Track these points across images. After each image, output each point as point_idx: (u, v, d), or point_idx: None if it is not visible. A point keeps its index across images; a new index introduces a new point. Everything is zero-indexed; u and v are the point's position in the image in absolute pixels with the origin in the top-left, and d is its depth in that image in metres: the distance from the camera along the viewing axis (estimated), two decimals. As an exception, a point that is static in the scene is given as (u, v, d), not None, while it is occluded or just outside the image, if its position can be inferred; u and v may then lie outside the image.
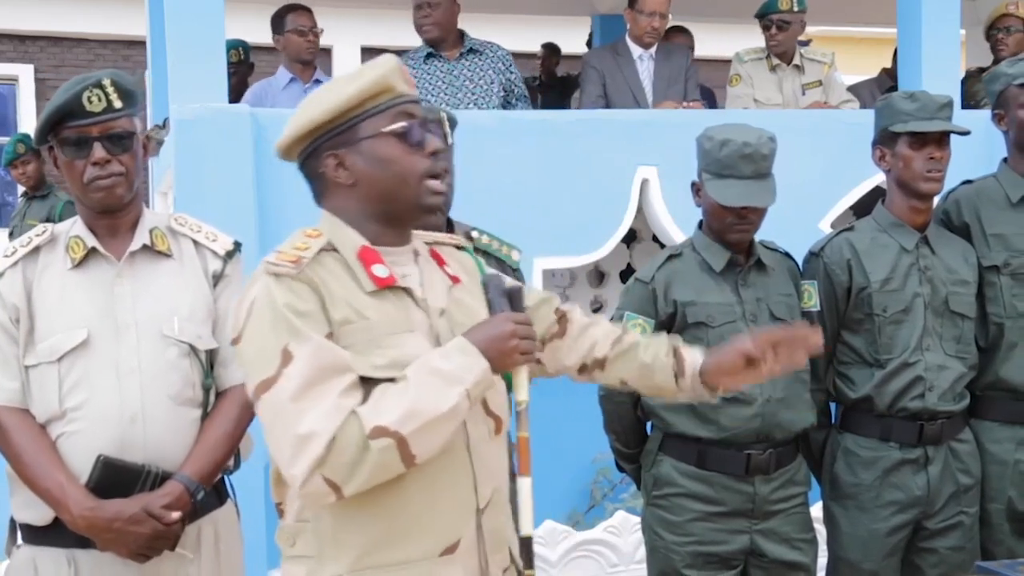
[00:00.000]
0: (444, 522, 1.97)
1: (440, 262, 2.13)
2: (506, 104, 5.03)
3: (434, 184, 2.02)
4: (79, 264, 2.51)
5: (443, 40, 4.97)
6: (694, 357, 2.27)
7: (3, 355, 2.48)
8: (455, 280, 2.11)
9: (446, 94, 4.88)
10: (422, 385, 1.89)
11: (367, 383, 1.92)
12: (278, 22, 5.37)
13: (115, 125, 2.48)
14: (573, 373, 2.29)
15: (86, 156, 2.47)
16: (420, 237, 2.16)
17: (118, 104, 2.47)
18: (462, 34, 5.04)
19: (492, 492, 2.04)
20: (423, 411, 1.87)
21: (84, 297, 2.49)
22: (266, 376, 1.89)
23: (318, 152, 2.03)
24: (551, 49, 8.86)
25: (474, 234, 2.98)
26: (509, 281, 2.11)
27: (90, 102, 2.45)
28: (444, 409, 1.88)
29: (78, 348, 2.45)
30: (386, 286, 1.99)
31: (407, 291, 2.01)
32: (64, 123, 2.47)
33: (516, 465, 2.09)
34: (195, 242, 2.62)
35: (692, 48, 6.34)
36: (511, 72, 5.06)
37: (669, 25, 6.44)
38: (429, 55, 4.99)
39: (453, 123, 2.92)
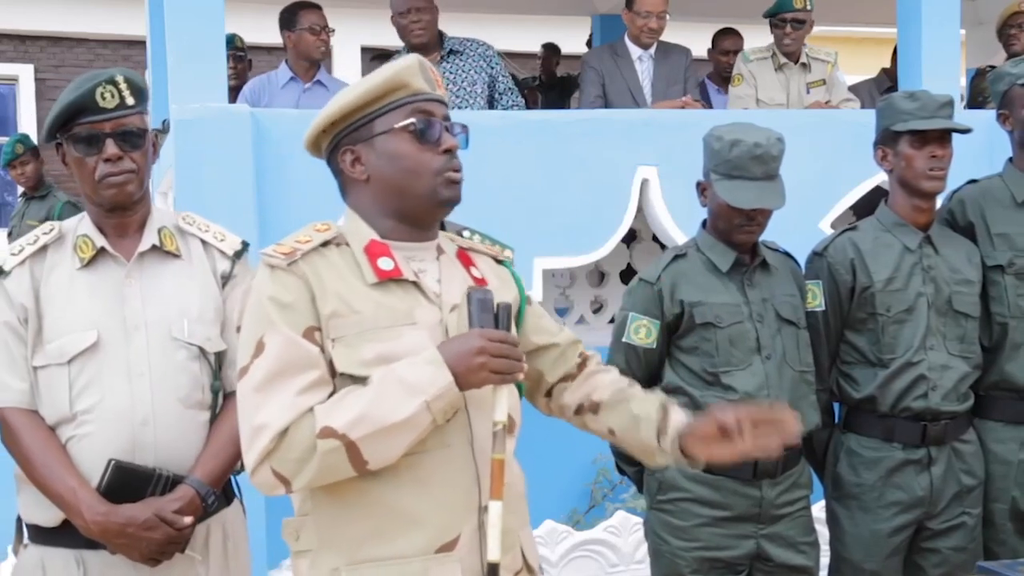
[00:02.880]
0: (441, 517, 1.96)
1: (468, 263, 2.14)
2: (492, 100, 5.01)
3: (451, 174, 2.03)
4: (88, 264, 2.50)
5: (429, 44, 4.96)
6: (679, 418, 2.22)
7: (11, 355, 2.47)
8: (480, 282, 2.11)
9: None
10: (383, 391, 1.89)
11: (356, 381, 1.93)
12: (289, 19, 5.28)
13: (127, 122, 2.47)
14: (569, 414, 2.28)
15: (98, 152, 2.45)
16: (456, 241, 2.19)
17: (131, 101, 2.47)
18: (441, 36, 5.04)
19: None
20: (376, 418, 1.87)
21: (93, 298, 2.48)
22: (243, 364, 1.95)
23: (338, 148, 2.07)
24: (551, 49, 8.86)
25: (465, 233, 2.95)
26: (502, 298, 2.06)
27: (103, 98, 2.44)
28: (398, 418, 1.87)
29: (88, 350, 2.44)
30: (389, 278, 1.99)
31: (416, 284, 2.02)
32: (76, 119, 2.46)
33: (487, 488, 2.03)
34: (203, 242, 2.61)
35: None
36: (493, 67, 5.04)
37: (721, 27, 6.47)
38: None
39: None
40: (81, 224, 2.56)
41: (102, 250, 2.51)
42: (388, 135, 2.02)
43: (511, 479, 2.03)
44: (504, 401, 1.96)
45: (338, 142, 2.07)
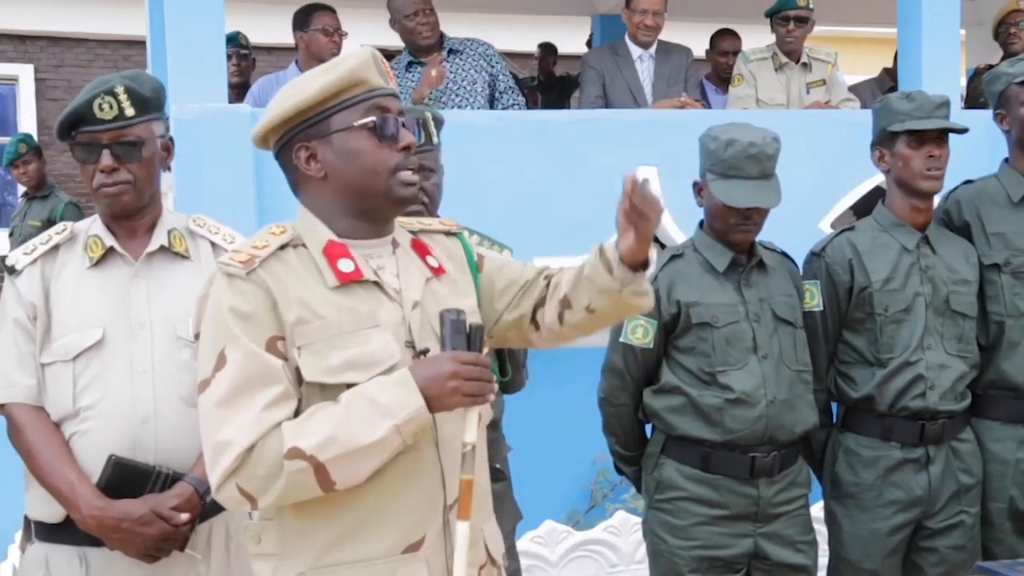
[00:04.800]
0: (407, 519, 1.94)
1: (423, 252, 2.10)
2: (493, 99, 5.01)
3: (405, 175, 1.99)
4: (97, 263, 2.52)
5: (434, 45, 4.97)
6: (610, 245, 2.10)
7: (20, 352, 2.49)
8: (437, 271, 2.08)
9: (431, 99, 4.87)
10: (353, 412, 1.86)
11: (325, 390, 1.91)
12: (303, 19, 5.30)
13: (126, 133, 2.47)
14: (558, 328, 2.15)
15: (95, 162, 2.47)
16: (407, 225, 2.14)
17: (130, 112, 2.47)
18: (441, 36, 5.04)
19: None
20: (345, 440, 1.84)
21: (100, 296, 2.50)
22: (203, 377, 1.91)
23: (291, 144, 2.01)
24: (548, 49, 8.86)
25: (464, 234, 2.96)
26: (472, 318, 2.01)
27: (101, 109, 2.45)
28: (367, 441, 1.85)
29: (93, 347, 2.46)
30: (351, 280, 1.96)
31: (377, 284, 1.99)
32: (77, 127, 2.48)
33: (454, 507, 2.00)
34: (213, 244, 2.62)
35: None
36: (493, 66, 5.04)
37: (719, 28, 6.47)
38: (410, 63, 4.98)
39: (439, 122, 2.87)
40: (93, 225, 2.58)
41: (111, 250, 2.53)
42: (347, 133, 1.97)
43: (475, 477, 1.99)
44: (474, 422, 1.94)
45: (291, 138, 2.01)
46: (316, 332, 1.91)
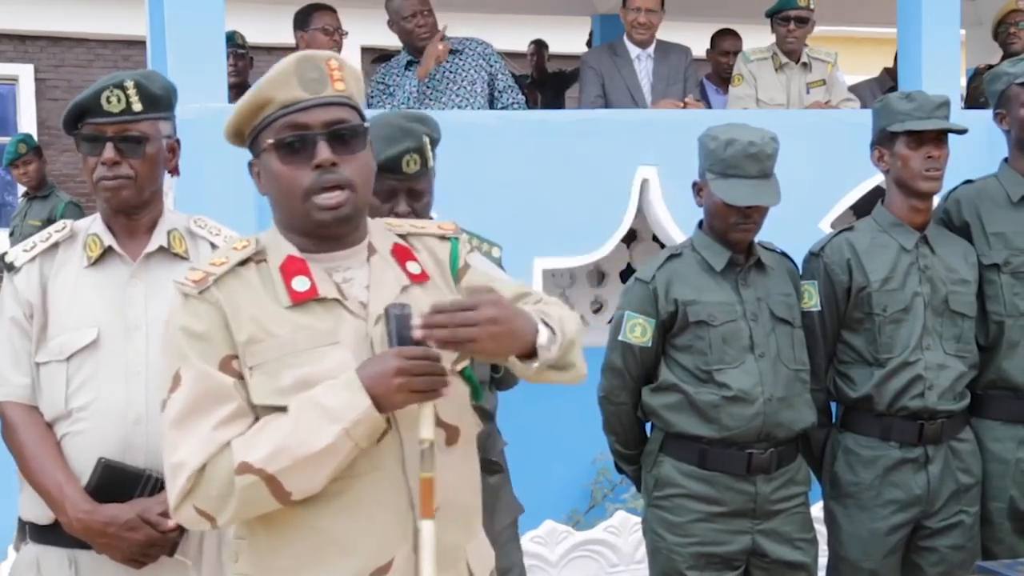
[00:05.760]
0: (373, 541, 1.88)
1: (404, 258, 2.00)
2: (492, 99, 5.01)
3: (322, 199, 1.88)
4: (95, 263, 2.51)
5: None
6: None
7: (15, 351, 2.48)
8: (418, 278, 1.99)
9: (431, 99, 4.87)
10: (301, 420, 1.81)
11: (277, 411, 1.85)
12: (303, 19, 5.32)
13: (131, 128, 2.46)
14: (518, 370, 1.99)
15: (98, 154, 2.46)
16: (395, 228, 2.06)
17: (137, 107, 2.46)
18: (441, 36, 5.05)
19: (439, 506, 1.88)
20: (294, 449, 1.79)
21: (97, 296, 2.48)
22: (163, 397, 1.90)
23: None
24: (540, 45, 8.86)
25: (459, 239, 2.93)
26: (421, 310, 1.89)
27: (108, 102, 2.44)
28: (317, 448, 1.79)
29: (87, 347, 2.44)
30: (306, 299, 1.89)
31: (338, 301, 1.91)
32: (83, 119, 2.47)
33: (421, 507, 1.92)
34: (213, 245, 2.59)
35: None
36: (492, 65, 5.04)
37: (720, 28, 6.47)
38: (409, 63, 4.99)
39: (435, 142, 2.80)
40: (94, 223, 2.56)
41: (109, 249, 2.52)
42: (266, 153, 1.91)
43: (451, 492, 1.93)
44: (430, 418, 1.86)
45: (251, 150, 1.97)
46: (268, 351, 1.87)
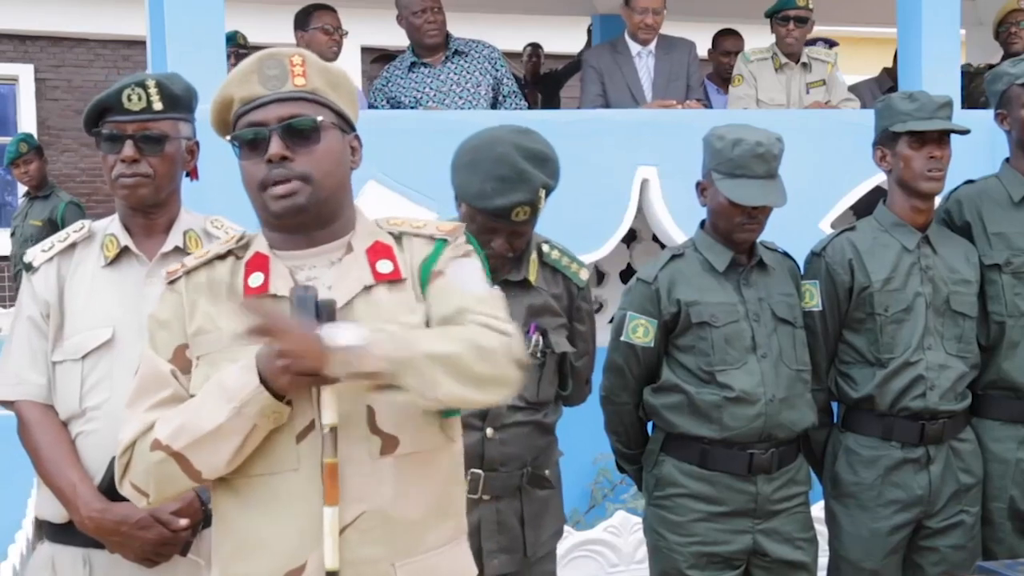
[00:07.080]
0: (286, 543, 1.85)
1: (378, 257, 1.97)
2: (496, 103, 5.01)
3: (274, 191, 1.90)
4: (112, 262, 2.53)
5: (440, 44, 4.97)
6: None
7: (32, 350, 2.50)
8: (388, 277, 1.94)
9: (434, 101, 4.87)
10: (203, 400, 1.86)
11: None
12: (303, 19, 5.34)
13: (151, 126, 2.47)
14: None
15: (118, 152, 2.47)
16: (393, 227, 2.02)
17: (158, 106, 2.48)
18: (447, 37, 5.04)
19: (358, 516, 1.84)
20: (194, 427, 1.84)
21: (113, 296, 2.50)
22: None
23: None
24: (536, 48, 8.88)
25: (544, 248, 2.90)
26: (328, 295, 1.89)
27: (129, 100, 2.46)
28: (211, 426, 1.82)
29: (102, 347, 2.46)
30: (256, 294, 1.92)
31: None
32: (104, 117, 2.48)
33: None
34: None
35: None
36: (498, 70, 5.03)
37: (721, 28, 6.46)
38: (413, 64, 4.98)
39: (550, 191, 2.69)
40: (111, 223, 2.58)
41: (126, 249, 2.53)
42: (236, 149, 1.97)
43: (381, 502, 1.86)
44: (330, 403, 1.82)
45: None
46: (212, 343, 1.92)
